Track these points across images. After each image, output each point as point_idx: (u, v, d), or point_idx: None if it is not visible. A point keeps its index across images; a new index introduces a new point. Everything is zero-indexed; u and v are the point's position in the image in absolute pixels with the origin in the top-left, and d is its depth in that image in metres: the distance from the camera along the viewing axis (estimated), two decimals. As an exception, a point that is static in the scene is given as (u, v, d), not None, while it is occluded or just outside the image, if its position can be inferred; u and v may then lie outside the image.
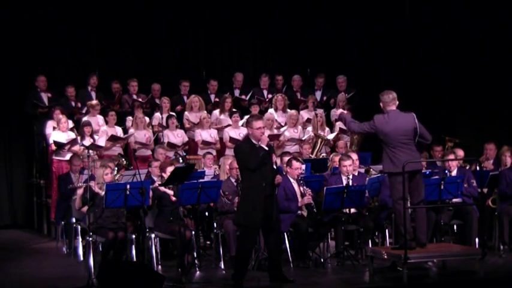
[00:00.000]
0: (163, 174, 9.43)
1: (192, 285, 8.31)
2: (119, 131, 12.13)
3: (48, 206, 12.06)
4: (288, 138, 12.46)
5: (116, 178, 9.42)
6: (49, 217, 11.95)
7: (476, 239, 9.53)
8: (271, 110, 13.03)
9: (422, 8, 13.62)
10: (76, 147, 11.54)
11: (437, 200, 9.28)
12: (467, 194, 9.72)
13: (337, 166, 10.25)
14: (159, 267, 9.18)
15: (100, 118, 12.38)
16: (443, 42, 13.42)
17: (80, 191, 9.07)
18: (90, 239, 8.87)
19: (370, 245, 9.29)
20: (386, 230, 9.65)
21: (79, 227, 9.83)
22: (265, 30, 14.70)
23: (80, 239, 9.82)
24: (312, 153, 12.12)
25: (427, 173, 9.86)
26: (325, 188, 9.24)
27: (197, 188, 8.95)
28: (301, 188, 9.41)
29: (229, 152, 11.68)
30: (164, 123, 12.36)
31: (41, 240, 11.74)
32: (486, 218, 9.95)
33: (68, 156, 11.25)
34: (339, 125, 12.87)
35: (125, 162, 10.69)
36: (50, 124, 12.02)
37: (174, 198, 9.13)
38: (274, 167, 8.20)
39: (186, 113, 12.74)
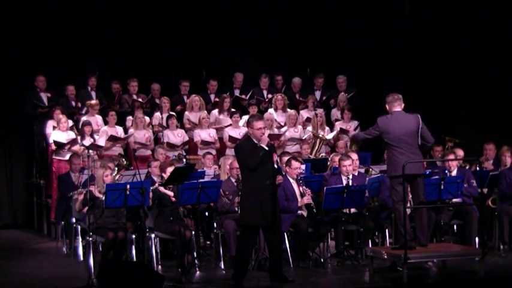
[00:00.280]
0: (163, 174, 9.44)
1: (192, 285, 8.31)
2: (119, 130, 12.13)
3: (48, 206, 12.05)
4: (288, 138, 12.47)
5: (116, 178, 9.42)
6: (49, 217, 11.94)
7: (476, 239, 9.53)
8: (270, 110, 13.04)
9: (423, 7, 13.62)
10: (76, 147, 11.54)
11: (437, 200, 9.28)
12: (467, 194, 9.72)
13: (337, 166, 10.25)
14: (159, 267, 9.18)
15: (99, 118, 12.38)
16: (443, 42, 13.42)
17: (80, 197, 9.07)
18: (90, 239, 8.86)
19: (370, 245, 9.29)
20: (386, 230, 9.65)
21: (79, 227, 9.83)
22: (265, 30, 14.69)
23: (80, 239, 9.81)
24: (311, 153, 12.13)
25: (427, 173, 9.86)
26: (325, 188, 9.24)
27: (197, 188, 8.95)
28: (301, 188, 9.41)
29: (230, 151, 11.69)
30: (164, 123, 12.37)
31: (41, 240, 11.73)
32: (486, 218, 9.94)
33: (67, 156, 11.25)
34: (339, 124, 12.88)
35: (125, 162, 10.69)
36: (50, 124, 12.02)
37: (174, 199, 9.13)
38: (276, 166, 8.20)
39: (186, 112, 12.74)
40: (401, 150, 8.26)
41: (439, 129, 11.73)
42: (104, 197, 8.75)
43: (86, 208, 8.96)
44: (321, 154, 12.17)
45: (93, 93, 12.94)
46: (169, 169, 9.23)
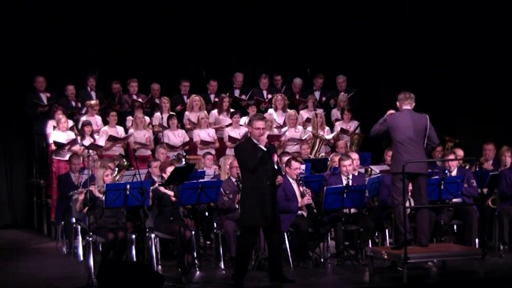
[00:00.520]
0: (163, 174, 9.44)
1: (192, 285, 8.30)
2: (120, 130, 12.13)
3: (48, 206, 12.05)
4: (289, 138, 12.47)
5: (116, 179, 9.42)
6: (49, 217, 11.94)
7: (476, 239, 9.52)
8: (270, 111, 13.04)
9: (422, 7, 13.62)
10: (76, 147, 11.54)
11: (437, 200, 9.29)
12: (467, 194, 9.72)
13: (337, 166, 10.25)
14: (159, 267, 9.18)
15: (98, 118, 12.38)
16: (443, 42, 13.42)
17: (81, 197, 9.07)
18: (90, 239, 8.86)
19: (370, 245, 9.29)
20: (386, 230, 9.65)
21: (79, 227, 9.83)
22: (266, 30, 14.69)
23: (80, 239, 9.81)
24: (310, 153, 12.13)
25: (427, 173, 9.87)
26: (325, 188, 9.24)
27: (197, 188, 8.95)
28: (301, 188, 9.42)
29: (230, 151, 11.69)
30: (165, 123, 12.37)
31: (41, 240, 11.73)
32: (486, 218, 9.94)
33: (67, 156, 11.25)
34: (339, 125, 12.89)
35: (126, 163, 10.69)
36: (51, 124, 12.02)
37: (174, 199, 9.13)
38: (276, 167, 8.20)
39: (186, 112, 12.74)
40: (406, 147, 8.30)
41: (439, 129, 11.71)
42: (104, 197, 8.75)
43: (86, 208, 8.96)
44: (321, 154, 12.18)
45: (93, 93, 12.94)
46: (170, 169, 9.23)
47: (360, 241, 9.49)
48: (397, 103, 8.60)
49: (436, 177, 9.57)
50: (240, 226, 8.51)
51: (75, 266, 9.53)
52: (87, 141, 11.55)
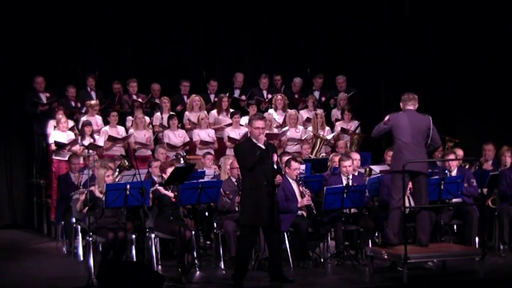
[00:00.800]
0: (163, 174, 9.43)
1: (192, 285, 8.31)
2: (121, 130, 12.13)
3: (48, 206, 12.05)
4: (289, 138, 12.47)
5: (117, 180, 9.42)
6: (49, 217, 11.94)
7: (476, 239, 9.52)
8: (270, 110, 13.04)
9: (422, 7, 13.61)
10: (76, 147, 11.54)
11: (437, 200, 9.28)
12: (467, 194, 9.72)
13: (337, 166, 10.25)
14: (159, 267, 9.17)
15: (99, 118, 12.39)
16: (443, 42, 13.41)
17: (81, 197, 9.07)
18: (90, 239, 8.86)
19: (370, 245, 9.28)
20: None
21: (79, 227, 9.83)
22: (265, 30, 14.69)
23: (80, 239, 9.81)
24: (311, 153, 12.13)
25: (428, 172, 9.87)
26: (325, 188, 9.24)
27: (197, 188, 8.95)
28: (301, 188, 9.42)
29: (230, 152, 11.68)
30: (165, 123, 12.37)
31: (41, 240, 11.73)
32: (486, 218, 9.94)
33: (68, 156, 11.25)
34: (340, 124, 12.88)
35: (127, 163, 10.69)
36: (52, 124, 12.02)
37: (174, 200, 9.13)
38: (275, 166, 8.20)
39: (186, 112, 12.74)
40: (408, 147, 8.34)
41: (439, 129, 11.71)
42: (104, 197, 8.75)
43: (87, 208, 8.96)
44: (321, 154, 12.17)
45: (93, 93, 12.94)
46: (170, 169, 9.22)
47: (360, 241, 9.49)
48: (401, 104, 8.63)
49: (436, 177, 9.57)
50: (239, 226, 8.52)
51: (75, 266, 9.53)
52: (87, 141, 11.55)
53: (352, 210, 9.49)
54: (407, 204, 8.56)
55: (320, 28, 14.53)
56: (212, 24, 14.36)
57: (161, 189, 9.23)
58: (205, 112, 12.57)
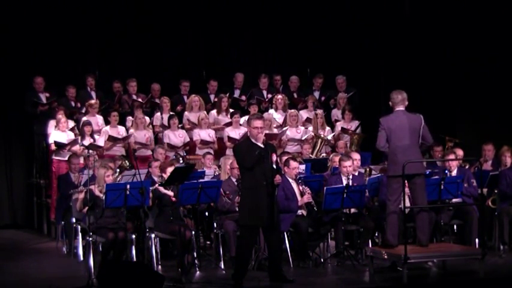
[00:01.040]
0: (163, 174, 9.43)
1: (192, 285, 8.30)
2: (121, 130, 12.13)
3: (48, 206, 12.05)
4: (289, 138, 12.47)
5: (118, 180, 9.42)
6: (49, 217, 11.94)
7: (476, 239, 9.52)
8: (271, 110, 13.04)
9: (422, 6, 13.62)
10: (76, 147, 11.54)
11: (437, 200, 9.28)
12: (467, 194, 9.71)
13: (337, 166, 10.24)
14: (159, 267, 9.18)
15: (100, 118, 12.39)
16: (443, 42, 13.42)
17: (81, 196, 9.07)
18: (90, 239, 8.87)
19: (370, 245, 9.28)
20: (387, 230, 9.65)
21: (79, 227, 9.82)
22: (266, 30, 14.69)
23: (80, 239, 9.81)
24: (312, 153, 12.13)
25: (427, 173, 9.85)
26: (325, 188, 9.24)
27: (197, 188, 8.95)
28: (300, 187, 9.42)
29: (230, 152, 11.68)
30: (166, 123, 12.37)
31: (41, 240, 11.73)
32: (486, 218, 9.94)
33: (68, 156, 11.25)
34: (340, 124, 12.88)
35: (127, 164, 10.69)
36: (52, 124, 12.01)
37: (174, 199, 9.13)
38: (274, 166, 8.19)
39: (186, 113, 12.73)
40: (402, 149, 8.29)
41: (439, 129, 11.73)
42: (104, 197, 8.75)
43: (86, 208, 8.96)
44: (322, 154, 12.17)
45: (93, 93, 12.94)
46: (170, 169, 9.23)
47: (360, 241, 9.49)
48: (390, 103, 8.58)
49: (436, 177, 9.57)
50: (239, 226, 8.52)
51: (75, 266, 9.53)
52: (87, 141, 11.55)
53: (352, 210, 9.48)
54: (407, 204, 8.54)
55: (320, 28, 14.53)
56: (212, 24, 14.36)
57: (161, 188, 9.23)
58: (205, 112, 12.57)
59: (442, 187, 9.23)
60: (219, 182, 9.36)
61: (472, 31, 13.07)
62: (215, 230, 9.56)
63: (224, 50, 14.73)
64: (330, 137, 12.57)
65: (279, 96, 13.07)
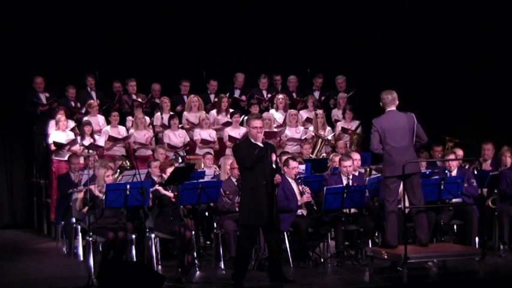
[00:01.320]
0: (163, 174, 9.43)
1: (192, 285, 8.31)
2: (122, 130, 12.13)
3: (48, 206, 12.05)
4: (289, 138, 12.47)
5: (118, 180, 9.42)
6: (49, 217, 11.94)
7: (476, 239, 9.52)
8: (272, 110, 13.04)
9: (422, 6, 13.62)
10: (76, 147, 11.55)
11: (437, 200, 9.28)
12: (467, 194, 9.71)
13: (337, 166, 10.24)
14: (159, 267, 9.18)
15: (100, 118, 12.40)
16: (443, 42, 13.42)
17: (80, 195, 9.07)
18: (90, 239, 8.86)
19: (370, 245, 9.29)
20: (386, 230, 9.64)
21: (79, 227, 9.82)
22: (266, 30, 14.69)
23: (80, 239, 9.81)
24: (312, 153, 12.12)
25: (427, 173, 9.86)
26: (325, 188, 9.24)
27: (197, 188, 8.95)
28: (300, 187, 9.42)
29: (230, 152, 11.67)
30: (166, 123, 12.36)
31: (41, 240, 11.73)
32: (486, 218, 9.94)
33: (67, 156, 11.25)
34: (340, 124, 12.88)
35: (128, 164, 10.69)
36: (52, 123, 12.00)
37: (174, 200, 9.12)
38: (274, 166, 8.19)
39: (185, 113, 12.73)
40: (397, 150, 8.28)
41: (439, 129, 11.74)
42: (104, 197, 8.75)
43: (86, 208, 8.96)
44: (322, 154, 12.17)
45: (93, 93, 12.94)
46: (170, 169, 9.23)
47: (360, 241, 9.49)
48: (381, 103, 8.55)
49: (436, 177, 9.57)
50: (239, 226, 8.52)
51: (75, 266, 9.53)
52: (87, 141, 11.55)
53: (352, 210, 9.47)
54: (407, 204, 8.54)
55: (320, 28, 14.52)
56: (212, 24, 14.35)
57: (161, 189, 9.23)
58: (205, 112, 12.56)
59: (442, 187, 9.22)
60: (219, 182, 9.36)
61: (472, 31, 13.07)
62: (215, 230, 9.56)
63: (224, 50, 14.72)
64: (330, 137, 12.58)
65: (280, 96, 13.07)
